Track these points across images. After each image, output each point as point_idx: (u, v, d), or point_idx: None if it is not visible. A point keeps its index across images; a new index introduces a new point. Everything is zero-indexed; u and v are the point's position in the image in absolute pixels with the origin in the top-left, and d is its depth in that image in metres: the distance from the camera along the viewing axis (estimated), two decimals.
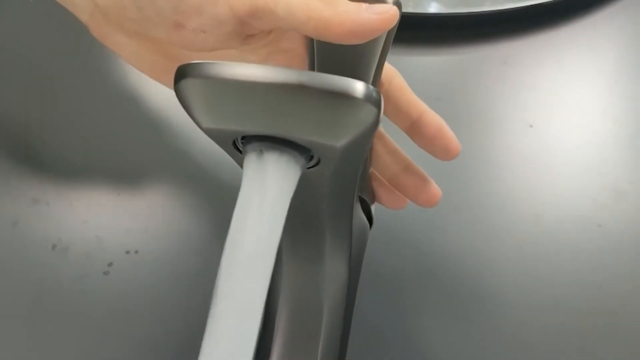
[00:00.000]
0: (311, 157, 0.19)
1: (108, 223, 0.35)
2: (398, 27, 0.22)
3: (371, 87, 0.16)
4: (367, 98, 0.16)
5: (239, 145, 0.19)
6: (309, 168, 0.19)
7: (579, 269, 0.34)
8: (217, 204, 0.36)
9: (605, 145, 0.41)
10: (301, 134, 0.17)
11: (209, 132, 0.19)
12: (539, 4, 0.47)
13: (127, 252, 0.34)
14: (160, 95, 0.40)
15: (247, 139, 0.18)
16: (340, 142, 0.18)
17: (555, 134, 0.41)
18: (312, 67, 0.25)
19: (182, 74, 0.17)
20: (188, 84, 0.17)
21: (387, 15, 0.21)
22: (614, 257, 0.35)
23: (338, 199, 0.24)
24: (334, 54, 0.23)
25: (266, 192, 0.17)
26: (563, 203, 0.37)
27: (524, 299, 0.33)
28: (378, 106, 0.16)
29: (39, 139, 0.40)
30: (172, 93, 0.18)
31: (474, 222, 0.36)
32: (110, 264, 0.33)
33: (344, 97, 0.16)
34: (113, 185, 0.37)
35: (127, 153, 0.39)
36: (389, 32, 0.22)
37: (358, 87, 0.16)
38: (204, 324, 0.16)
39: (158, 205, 0.36)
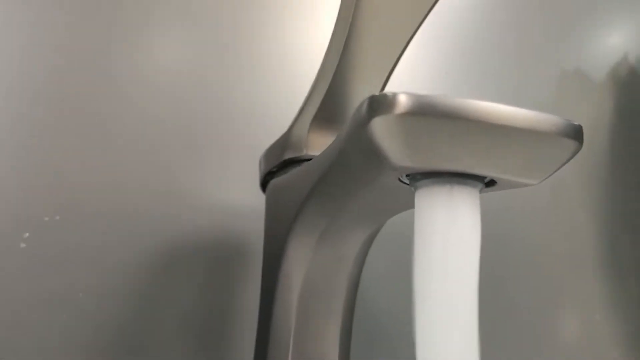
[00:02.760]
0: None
1: None
2: None
3: (576, 123, 0.16)
4: (577, 136, 0.16)
5: (403, 178, 0.18)
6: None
7: None
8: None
9: None
10: (507, 174, 0.16)
11: (398, 170, 0.16)
12: None
13: None
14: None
15: (429, 173, 0.17)
16: (541, 179, 0.17)
17: None
18: None
19: (383, 106, 0.15)
20: (392, 120, 0.15)
21: None
22: None
23: None
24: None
25: (465, 227, 0.17)
26: None
27: None
28: (582, 141, 0.16)
29: None
30: None
31: None
32: None
33: (562, 138, 0.15)
34: None
35: None
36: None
37: (575, 127, 0.15)
38: None
39: None
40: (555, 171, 0.17)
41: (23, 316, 0.31)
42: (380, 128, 0.15)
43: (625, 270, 0.45)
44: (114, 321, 0.33)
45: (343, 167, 0.20)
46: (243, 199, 0.36)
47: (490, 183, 0.17)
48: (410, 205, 0.21)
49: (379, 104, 0.15)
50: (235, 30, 0.39)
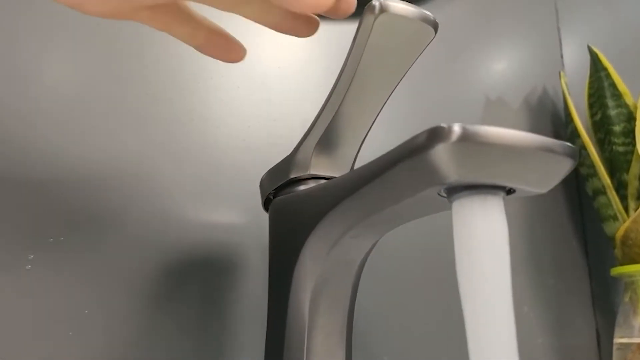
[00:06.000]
0: None
1: None
2: None
3: (573, 146, 0.21)
4: (575, 155, 0.21)
5: (441, 192, 0.22)
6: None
7: None
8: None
9: None
10: (530, 187, 0.21)
11: (445, 184, 0.20)
12: None
13: None
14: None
15: (468, 187, 0.21)
16: (548, 189, 0.22)
17: None
18: None
19: (442, 135, 0.19)
20: (452, 147, 0.19)
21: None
22: None
23: None
24: None
25: (503, 228, 0.21)
26: None
27: None
28: (577, 160, 0.21)
29: None
30: None
31: None
32: None
33: (569, 160, 0.21)
34: None
35: None
36: None
37: (574, 149, 0.21)
38: None
39: None
40: (557, 183, 0.22)
41: (29, 334, 0.33)
42: (440, 152, 0.19)
43: (544, 266, 0.53)
44: (119, 339, 0.35)
45: (387, 184, 0.23)
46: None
47: (509, 192, 0.22)
48: (430, 212, 0.26)
49: (439, 134, 0.19)
50: None
